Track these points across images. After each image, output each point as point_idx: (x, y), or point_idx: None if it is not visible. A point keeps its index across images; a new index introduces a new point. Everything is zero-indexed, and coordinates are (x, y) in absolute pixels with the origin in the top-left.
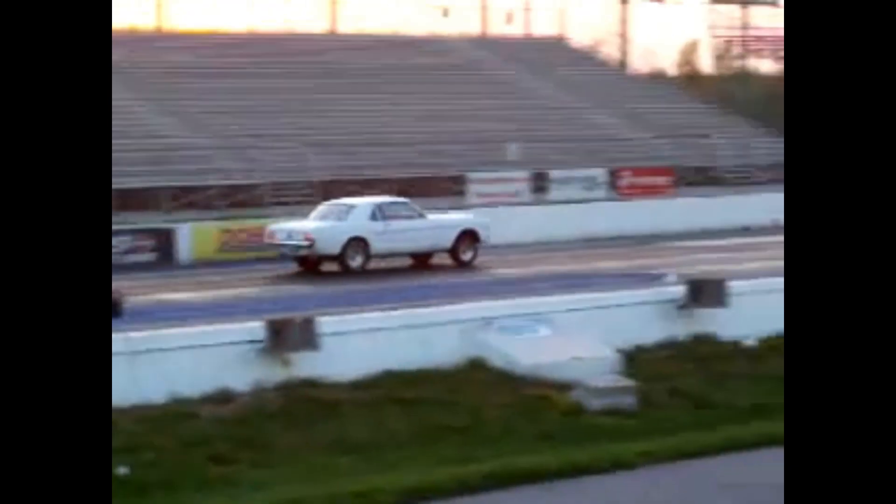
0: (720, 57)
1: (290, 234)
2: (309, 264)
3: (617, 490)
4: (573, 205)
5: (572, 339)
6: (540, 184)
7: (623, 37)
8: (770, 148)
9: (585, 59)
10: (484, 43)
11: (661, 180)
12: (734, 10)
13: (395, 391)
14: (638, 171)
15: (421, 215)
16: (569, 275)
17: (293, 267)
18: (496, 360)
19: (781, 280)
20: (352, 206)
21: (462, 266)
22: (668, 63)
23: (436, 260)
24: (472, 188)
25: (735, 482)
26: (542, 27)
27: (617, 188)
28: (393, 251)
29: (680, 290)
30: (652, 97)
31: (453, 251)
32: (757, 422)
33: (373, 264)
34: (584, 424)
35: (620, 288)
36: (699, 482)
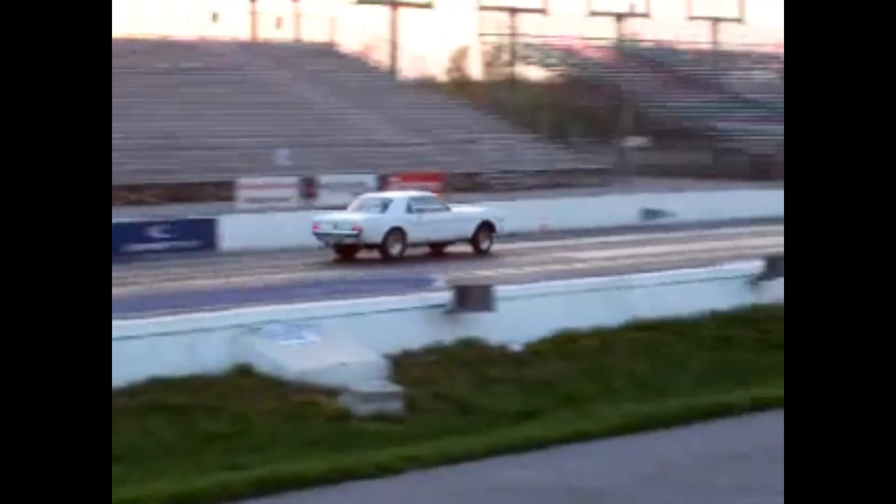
0: (489, 63)
1: (336, 225)
2: (346, 252)
3: (381, 495)
4: None
5: (340, 345)
6: (309, 189)
7: (393, 43)
8: (537, 154)
9: (355, 65)
10: (254, 48)
11: (429, 186)
12: (503, 17)
13: (163, 398)
14: (407, 177)
15: (447, 208)
16: (338, 280)
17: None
18: (264, 367)
19: (548, 285)
20: (389, 200)
21: (480, 253)
22: (438, 69)
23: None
24: (242, 193)
25: (501, 485)
26: (313, 33)
27: None
28: (424, 240)
29: (447, 295)
30: (421, 103)
31: (473, 240)
32: (523, 425)
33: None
34: (351, 430)
35: (389, 293)
36: (465, 486)
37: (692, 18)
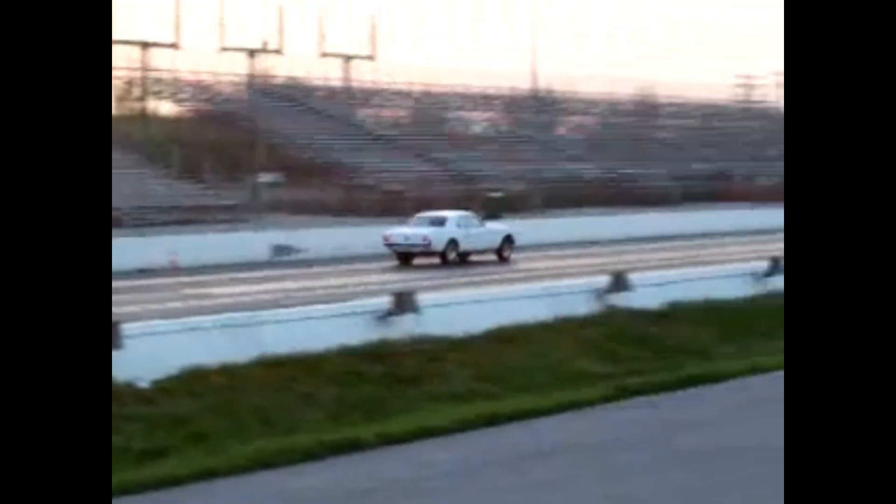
0: (120, 98)
1: (406, 237)
2: (406, 259)
3: None
4: None
5: None
6: None
7: None
8: (168, 189)
9: None
10: None
11: None
12: (134, 51)
13: None
14: None
15: (483, 224)
16: None
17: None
18: None
19: (176, 321)
20: (444, 218)
21: (503, 261)
22: None
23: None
24: None
25: None
26: None
27: None
28: (469, 250)
29: None
30: None
31: (499, 250)
32: (150, 464)
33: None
34: None
35: None
36: None
37: (325, 55)
